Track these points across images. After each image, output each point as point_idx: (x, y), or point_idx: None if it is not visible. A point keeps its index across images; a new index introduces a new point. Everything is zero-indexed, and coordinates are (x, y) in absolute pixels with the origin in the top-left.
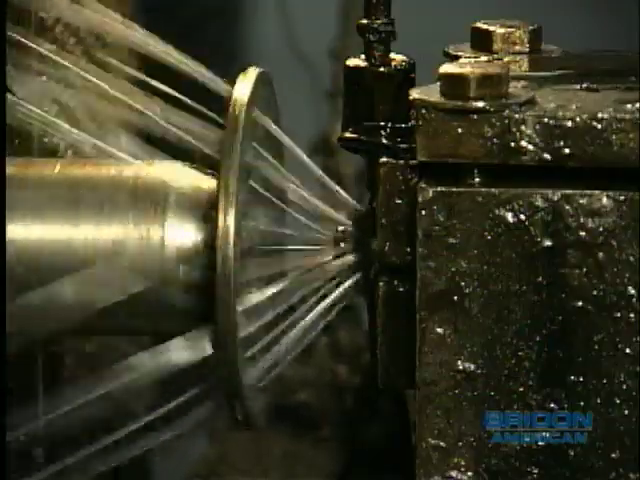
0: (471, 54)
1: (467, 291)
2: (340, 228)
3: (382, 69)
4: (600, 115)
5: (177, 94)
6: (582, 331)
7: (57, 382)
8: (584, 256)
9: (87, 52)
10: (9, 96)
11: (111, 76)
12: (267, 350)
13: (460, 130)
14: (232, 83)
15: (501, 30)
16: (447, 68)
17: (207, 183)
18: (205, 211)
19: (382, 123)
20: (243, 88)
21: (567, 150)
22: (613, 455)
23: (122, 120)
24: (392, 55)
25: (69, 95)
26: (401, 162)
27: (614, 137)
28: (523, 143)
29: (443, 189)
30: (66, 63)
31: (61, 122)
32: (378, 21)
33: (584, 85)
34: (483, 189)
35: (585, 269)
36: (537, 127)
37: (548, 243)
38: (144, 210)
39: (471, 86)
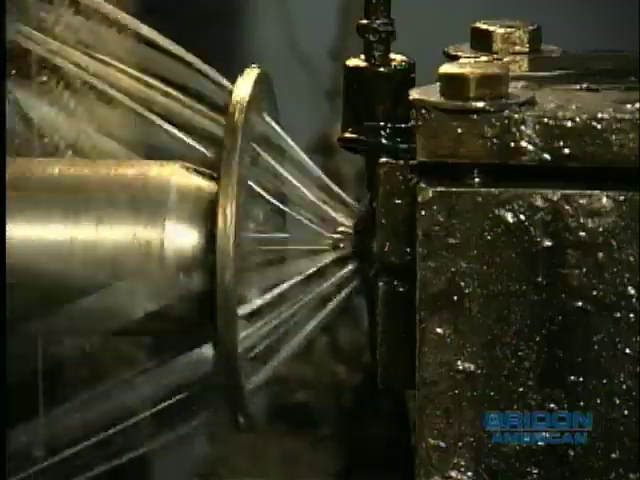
0: (471, 54)
1: (467, 291)
2: (340, 228)
3: (382, 69)
4: (600, 115)
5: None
6: (582, 331)
7: (57, 382)
8: (584, 256)
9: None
10: None
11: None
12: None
13: (460, 130)
14: (232, 83)
15: (501, 30)
16: (447, 68)
17: (207, 184)
18: (205, 213)
19: (382, 123)
20: (243, 88)
21: (567, 150)
22: (613, 455)
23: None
24: (392, 55)
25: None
26: (401, 162)
27: (614, 137)
28: (523, 143)
29: (443, 189)
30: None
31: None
32: (378, 21)
33: (584, 85)
34: (483, 189)
35: (585, 269)
36: (537, 127)
37: (548, 243)
38: (144, 212)
39: (471, 86)
